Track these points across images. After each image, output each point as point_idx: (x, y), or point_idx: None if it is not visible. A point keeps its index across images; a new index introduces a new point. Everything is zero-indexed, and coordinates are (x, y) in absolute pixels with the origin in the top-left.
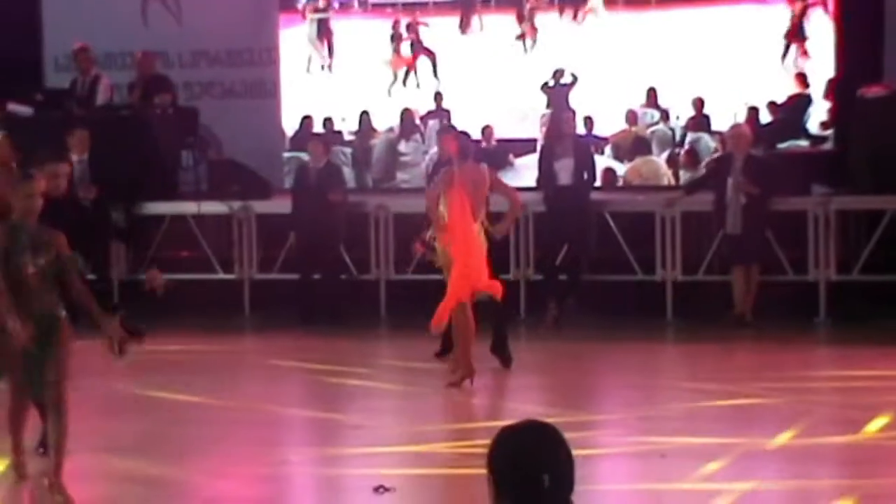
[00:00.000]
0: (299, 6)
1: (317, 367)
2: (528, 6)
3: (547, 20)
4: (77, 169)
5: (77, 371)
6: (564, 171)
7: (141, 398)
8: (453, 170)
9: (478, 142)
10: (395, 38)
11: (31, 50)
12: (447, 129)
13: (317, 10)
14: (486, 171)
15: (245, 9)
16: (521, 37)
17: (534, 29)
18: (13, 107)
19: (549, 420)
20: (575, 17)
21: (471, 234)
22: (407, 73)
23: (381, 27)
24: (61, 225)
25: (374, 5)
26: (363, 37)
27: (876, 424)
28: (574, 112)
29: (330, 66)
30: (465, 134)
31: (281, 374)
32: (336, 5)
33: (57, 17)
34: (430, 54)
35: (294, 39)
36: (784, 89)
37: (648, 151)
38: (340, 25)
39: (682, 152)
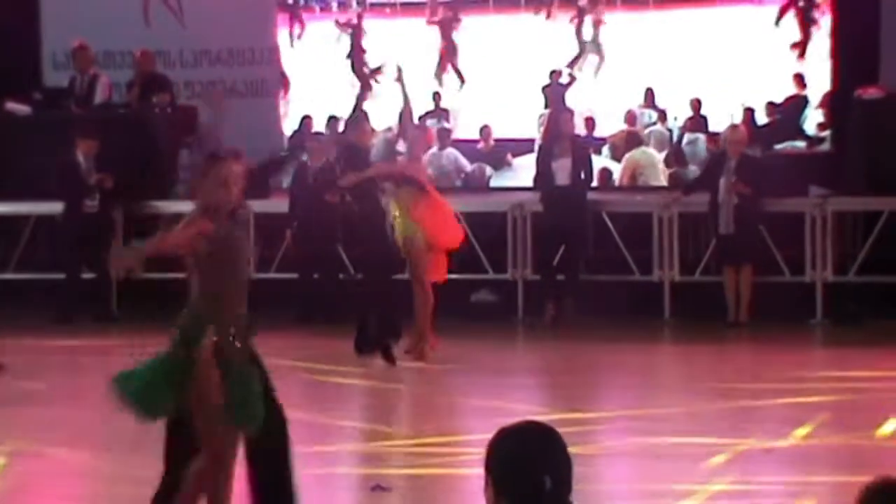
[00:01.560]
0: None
1: (314, 367)
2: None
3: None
4: (84, 168)
5: (73, 370)
6: (562, 171)
7: None
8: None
9: (475, 141)
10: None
11: (29, 48)
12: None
13: (347, 26)
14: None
15: (246, 8)
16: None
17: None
18: (12, 106)
19: (547, 420)
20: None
21: None
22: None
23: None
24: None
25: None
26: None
27: (888, 427)
28: (572, 112)
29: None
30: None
31: (278, 373)
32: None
33: (55, 16)
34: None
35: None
36: (782, 90)
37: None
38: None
39: (670, 151)
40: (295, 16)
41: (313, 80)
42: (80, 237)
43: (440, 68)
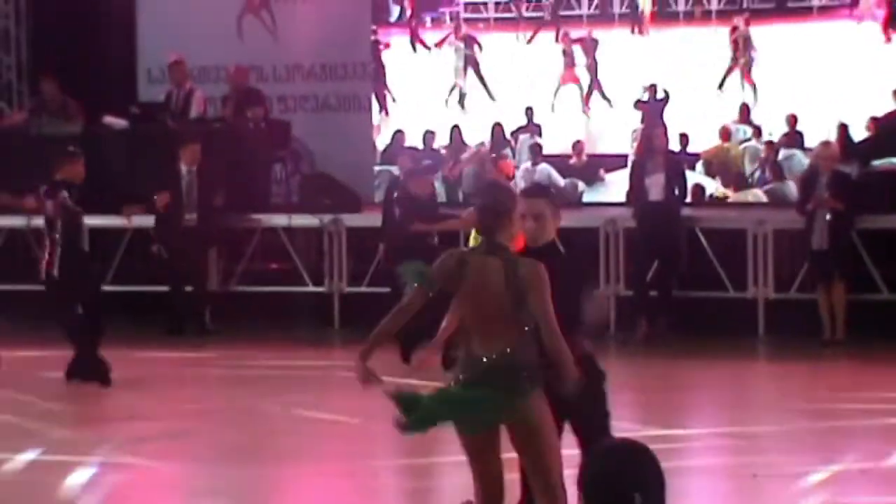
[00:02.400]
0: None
1: (405, 382)
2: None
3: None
4: (186, 180)
5: (169, 382)
6: (655, 186)
7: (234, 409)
8: None
9: (568, 156)
10: (567, 53)
11: (126, 64)
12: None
13: (461, 41)
14: None
15: (339, 23)
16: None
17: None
18: (109, 120)
19: (640, 437)
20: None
21: None
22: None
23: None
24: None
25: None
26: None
27: None
28: (666, 128)
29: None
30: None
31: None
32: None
33: (151, 32)
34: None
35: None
36: (882, 107)
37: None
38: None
39: (767, 167)
40: (415, 33)
41: (410, 94)
42: (179, 251)
43: (590, 89)
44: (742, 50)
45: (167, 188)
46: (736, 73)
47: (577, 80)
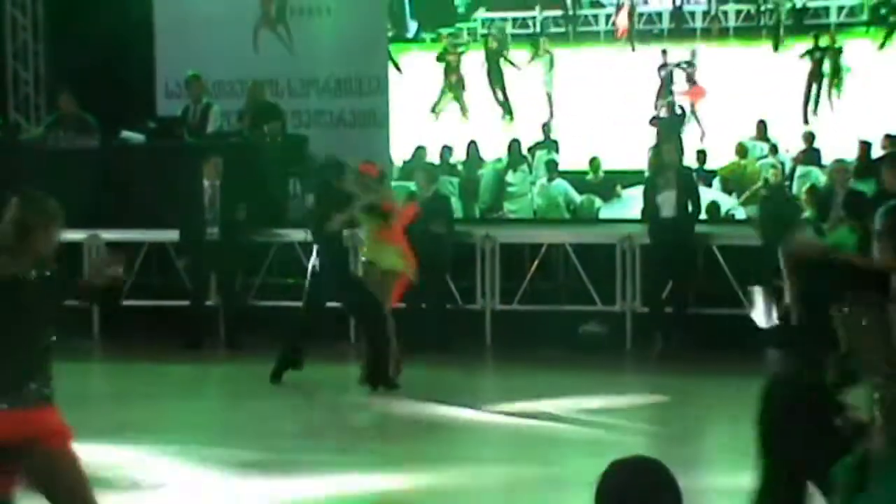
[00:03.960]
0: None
1: (422, 399)
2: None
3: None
4: (208, 195)
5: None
6: (667, 203)
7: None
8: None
9: (584, 172)
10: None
11: (144, 78)
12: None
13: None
14: None
15: (355, 38)
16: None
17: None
18: (126, 134)
19: (655, 455)
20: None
21: None
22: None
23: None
24: None
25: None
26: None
27: None
28: (680, 144)
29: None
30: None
31: (387, 403)
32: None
33: (169, 46)
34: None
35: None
36: None
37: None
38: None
39: (805, 191)
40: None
41: (423, 110)
42: (203, 265)
43: (693, 108)
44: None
45: (187, 202)
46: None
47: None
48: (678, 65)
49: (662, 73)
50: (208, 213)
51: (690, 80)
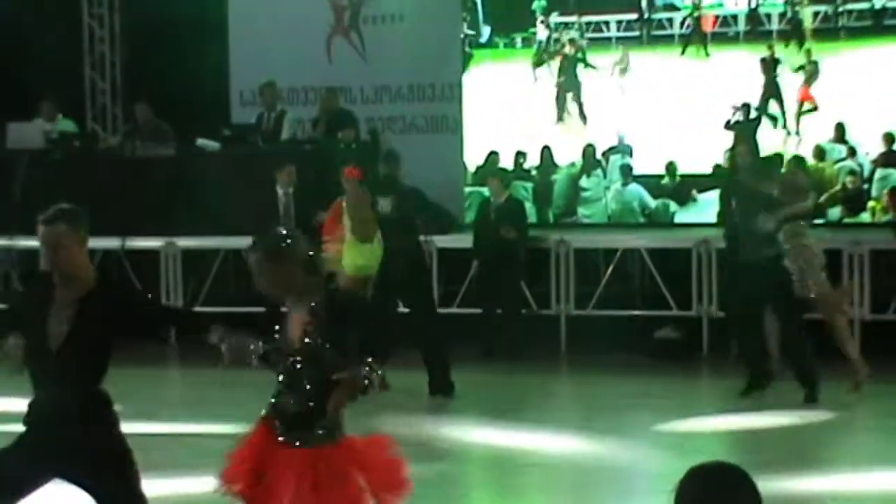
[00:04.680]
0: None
1: (497, 404)
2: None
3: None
4: (283, 202)
5: None
6: None
7: None
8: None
9: (660, 177)
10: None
11: (218, 86)
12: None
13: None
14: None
15: (428, 44)
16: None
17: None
18: (202, 142)
19: (734, 461)
20: None
21: None
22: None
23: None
24: None
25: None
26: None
27: None
28: (756, 147)
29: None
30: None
31: (458, 408)
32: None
33: (243, 55)
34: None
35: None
36: None
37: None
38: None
39: (885, 193)
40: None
41: (499, 115)
42: None
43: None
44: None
45: (262, 209)
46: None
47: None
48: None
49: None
50: (283, 220)
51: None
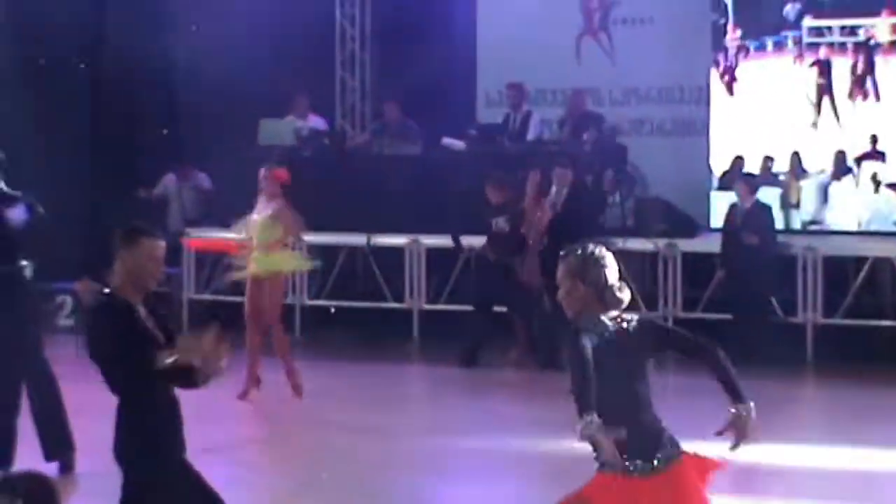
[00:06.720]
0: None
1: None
2: None
3: None
4: (551, 201)
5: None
6: None
7: None
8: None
9: None
10: None
11: (465, 87)
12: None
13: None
14: None
15: (678, 47)
16: None
17: None
18: (448, 141)
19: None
20: None
21: None
22: None
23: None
24: None
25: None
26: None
27: None
28: None
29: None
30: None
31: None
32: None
33: (491, 56)
34: None
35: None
36: None
37: None
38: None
39: None
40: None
41: (748, 120)
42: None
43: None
44: None
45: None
46: None
47: None
48: None
49: None
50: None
51: None
